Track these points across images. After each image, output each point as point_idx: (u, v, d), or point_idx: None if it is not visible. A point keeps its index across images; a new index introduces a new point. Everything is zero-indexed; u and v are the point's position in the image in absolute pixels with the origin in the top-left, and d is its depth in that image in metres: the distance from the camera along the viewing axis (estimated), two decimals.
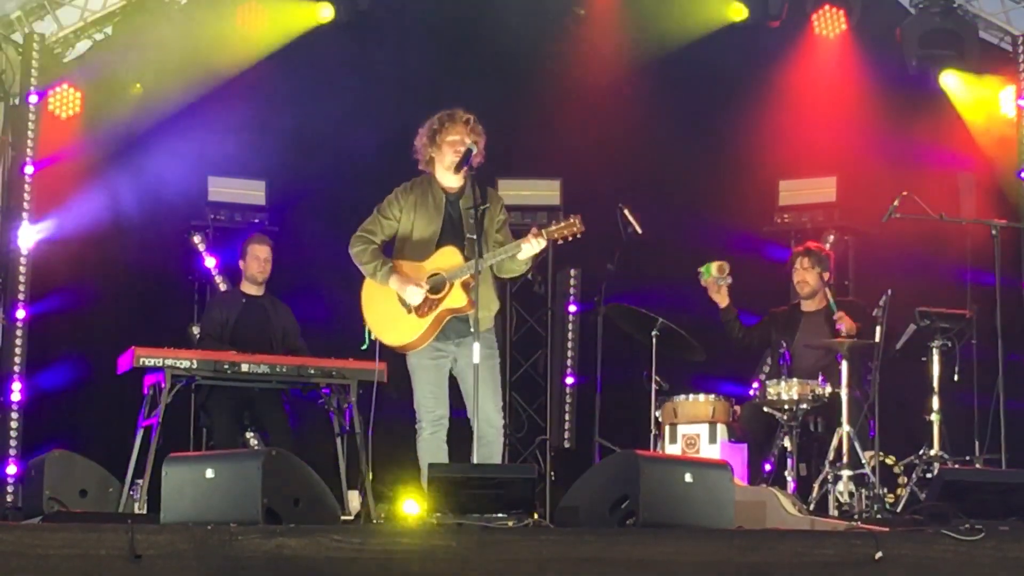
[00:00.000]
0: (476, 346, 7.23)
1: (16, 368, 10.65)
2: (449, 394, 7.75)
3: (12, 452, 10.48)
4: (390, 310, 7.63)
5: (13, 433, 10.51)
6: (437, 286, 7.53)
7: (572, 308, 11.64)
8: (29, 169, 10.83)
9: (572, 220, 7.44)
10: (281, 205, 11.42)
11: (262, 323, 9.79)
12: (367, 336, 7.70)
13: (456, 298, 7.49)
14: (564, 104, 11.50)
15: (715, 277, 9.50)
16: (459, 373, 7.68)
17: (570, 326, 11.69)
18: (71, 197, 10.88)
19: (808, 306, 9.71)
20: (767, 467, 9.25)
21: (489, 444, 7.52)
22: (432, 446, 7.60)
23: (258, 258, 9.84)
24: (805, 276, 9.66)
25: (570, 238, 7.46)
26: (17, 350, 10.67)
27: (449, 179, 7.65)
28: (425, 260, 7.61)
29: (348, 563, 5.84)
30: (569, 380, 11.61)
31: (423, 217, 7.66)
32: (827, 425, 9.17)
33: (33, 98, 10.91)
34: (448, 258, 7.58)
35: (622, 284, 9.81)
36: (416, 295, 7.54)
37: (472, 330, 7.41)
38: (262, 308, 9.86)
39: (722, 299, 9.61)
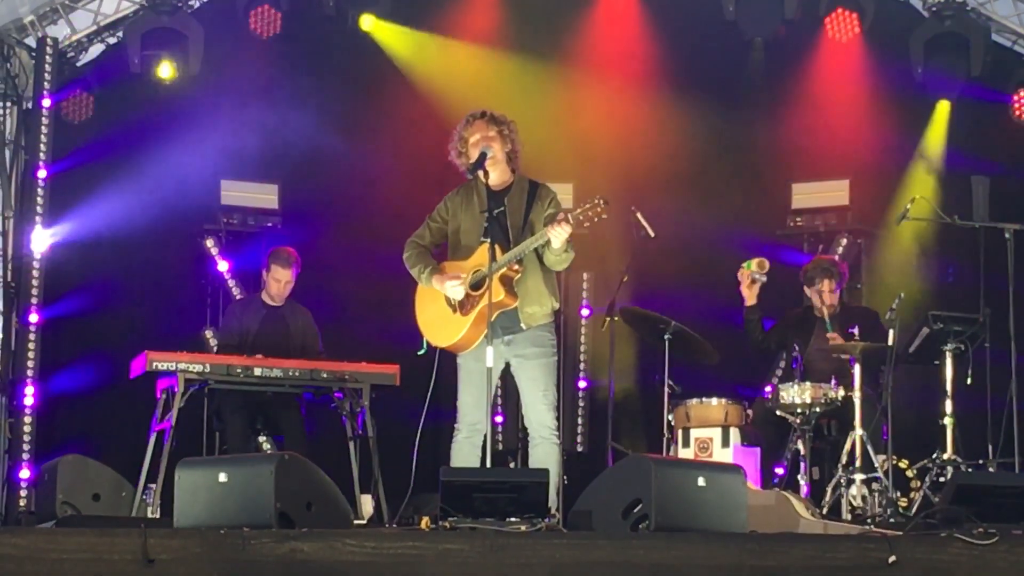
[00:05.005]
0: (489, 350, 7.18)
1: (29, 372, 10.63)
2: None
3: (26, 456, 10.46)
4: (438, 312, 7.60)
5: (27, 438, 10.49)
6: (478, 282, 7.45)
7: (584, 312, 11.62)
8: (42, 173, 10.81)
9: (596, 201, 7.29)
10: (294, 208, 11.41)
11: (281, 334, 9.77)
12: (424, 342, 7.65)
13: (496, 292, 7.31)
14: (576, 107, 11.50)
15: (753, 271, 9.48)
16: (513, 371, 7.63)
17: (583, 329, 11.67)
18: (84, 201, 10.90)
19: (821, 309, 9.68)
20: (780, 471, 9.23)
21: (538, 446, 7.49)
22: (464, 450, 7.54)
23: (279, 281, 9.81)
24: (832, 300, 9.60)
25: (596, 220, 7.31)
26: (30, 354, 10.66)
27: (493, 178, 7.55)
28: (468, 259, 7.57)
29: (361, 567, 5.84)
30: (582, 384, 11.59)
31: (467, 218, 7.62)
32: (840, 429, 9.16)
33: (46, 102, 10.89)
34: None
35: (635, 287, 9.79)
36: (457, 290, 7.49)
37: (523, 326, 7.43)
38: (281, 318, 9.85)
39: (751, 296, 9.57)
